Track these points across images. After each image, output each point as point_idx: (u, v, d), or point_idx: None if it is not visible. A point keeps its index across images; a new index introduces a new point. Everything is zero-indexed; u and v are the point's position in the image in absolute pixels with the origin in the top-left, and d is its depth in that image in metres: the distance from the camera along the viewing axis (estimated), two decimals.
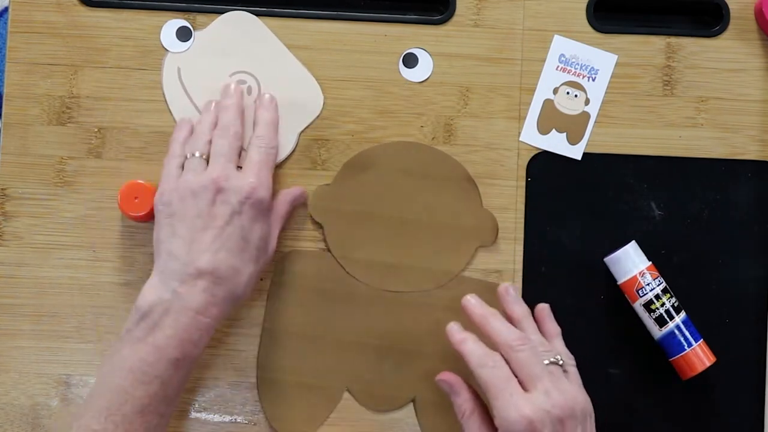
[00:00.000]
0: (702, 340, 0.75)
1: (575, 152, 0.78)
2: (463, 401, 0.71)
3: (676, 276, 0.77)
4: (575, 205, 0.78)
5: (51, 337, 0.76)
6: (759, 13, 0.78)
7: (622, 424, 0.77)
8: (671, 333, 0.74)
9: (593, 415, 0.70)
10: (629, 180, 0.78)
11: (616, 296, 0.76)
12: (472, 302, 0.72)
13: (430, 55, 0.78)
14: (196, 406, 0.76)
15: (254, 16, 0.77)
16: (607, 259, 0.76)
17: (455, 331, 0.71)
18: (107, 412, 0.65)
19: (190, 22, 0.77)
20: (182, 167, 0.72)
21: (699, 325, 0.75)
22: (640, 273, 0.74)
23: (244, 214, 0.69)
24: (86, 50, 0.77)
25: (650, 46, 0.78)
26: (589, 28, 0.78)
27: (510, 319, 0.72)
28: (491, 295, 0.75)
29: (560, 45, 0.78)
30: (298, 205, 0.76)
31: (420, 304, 0.76)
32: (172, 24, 0.77)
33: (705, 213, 0.78)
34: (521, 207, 0.77)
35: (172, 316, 0.67)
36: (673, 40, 0.78)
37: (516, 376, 0.67)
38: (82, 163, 0.77)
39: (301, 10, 0.78)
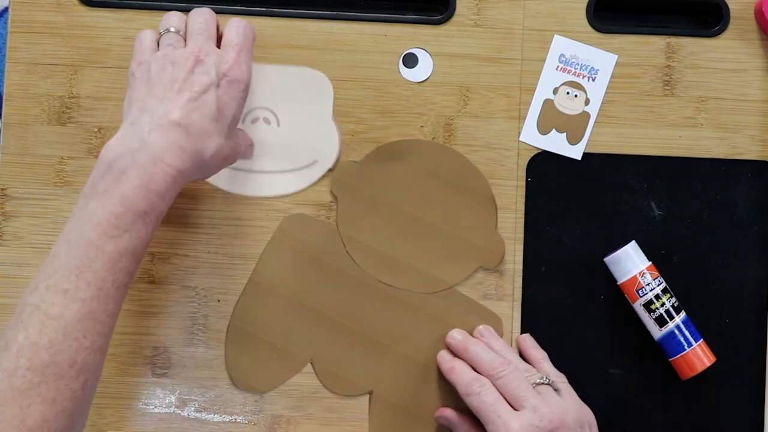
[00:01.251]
0: (702, 340, 0.74)
1: (575, 152, 0.78)
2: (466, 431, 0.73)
3: (676, 276, 0.77)
4: (575, 205, 0.78)
5: None
6: (759, 13, 0.78)
7: (622, 424, 0.77)
8: (671, 333, 0.74)
9: (594, 424, 0.71)
10: (629, 180, 0.78)
11: (616, 296, 0.76)
12: (457, 338, 0.74)
13: (430, 55, 0.78)
14: (196, 405, 0.76)
15: None
16: (607, 259, 0.76)
17: (444, 360, 0.74)
18: (77, 270, 0.62)
19: None
20: (157, 43, 0.70)
21: (699, 325, 0.75)
22: (640, 273, 0.74)
23: (222, 88, 0.67)
24: (86, 50, 0.77)
25: (650, 46, 0.78)
26: (589, 28, 0.78)
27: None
28: (476, 316, 0.76)
29: (560, 45, 0.78)
30: (246, 156, 0.75)
31: (406, 304, 0.76)
32: None
33: (705, 213, 0.78)
34: (521, 207, 0.77)
35: (139, 165, 0.64)
36: (673, 40, 0.78)
37: (505, 399, 0.69)
38: (82, 163, 0.77)
39: (301, 10, 0.78)
